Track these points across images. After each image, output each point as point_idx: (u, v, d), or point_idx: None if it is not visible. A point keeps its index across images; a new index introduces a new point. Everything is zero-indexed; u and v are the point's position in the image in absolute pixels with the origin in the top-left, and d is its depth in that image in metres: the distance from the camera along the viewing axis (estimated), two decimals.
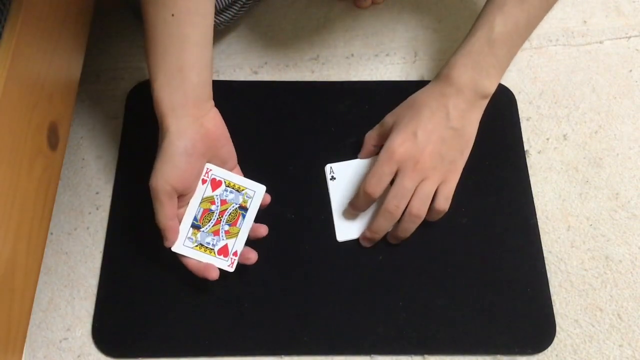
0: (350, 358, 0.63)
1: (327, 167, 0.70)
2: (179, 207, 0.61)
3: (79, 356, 0.63)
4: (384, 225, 0.64)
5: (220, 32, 0.80)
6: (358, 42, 0.81)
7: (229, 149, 0.63)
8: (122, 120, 0.75)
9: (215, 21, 0.67)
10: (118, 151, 0.73)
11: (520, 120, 0.75)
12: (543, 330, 0.64)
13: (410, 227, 0.64)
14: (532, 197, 0.70)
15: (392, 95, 0.71)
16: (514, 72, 0.79)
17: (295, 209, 0.69)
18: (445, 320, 0.64)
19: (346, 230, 0.67)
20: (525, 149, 0.73)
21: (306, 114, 0.74)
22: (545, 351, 0.63)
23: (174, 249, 0.61)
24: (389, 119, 0.66)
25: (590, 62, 0.80)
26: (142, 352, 0.62)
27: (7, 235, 0.58)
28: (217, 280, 0.64)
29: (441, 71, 0.65)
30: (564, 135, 0.75)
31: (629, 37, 0.82)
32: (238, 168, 0.65)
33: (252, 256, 0.62)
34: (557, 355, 0.63)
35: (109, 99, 0.77)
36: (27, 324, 0.64)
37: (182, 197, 0.60)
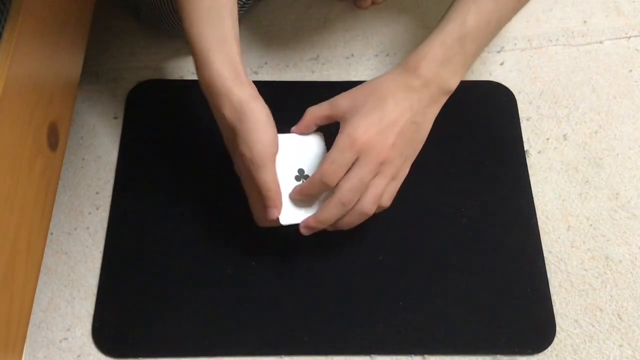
0: (350, 358, 0.63)
1: None
2: None
3: (79, 356, 0.63)
4: (334, 216, 0.58)
5: None
6: (358, 42, 0.81)
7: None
8: (122, 120, 0.75)
9: None
10: (118, 151, 0.73)
11: (520, 120, 0.75)
12: (543, 330, 0.64)
13: (355, 222, 0.59)
14: (532, 197, 0.70)
15: None
16: (514, 72, 0.79)
17: None
18: (445, 320, 0.64)
19: (291, 213, 0.59)
20: (525, 149, 0.73)
21: None
22: (545, 351, 0.63)
23: (285, 221, 0.58)
24: (343, 101, 0.60)
25: (590, 62, 0.80)
26: (142, 352, 0.62)
27: (7, 235, 0.58)
28: (216, 280, 0.65)
29: (409, 59, 0.60)
30: (564, 135, 0.75)
31: (629, 37, 0.82)
32: None
33: None
34: (557, 355, 0.63)
35: (109, 99, 0.77)
36: (27, 324, 0.64)
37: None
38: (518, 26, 0.83)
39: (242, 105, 0.56)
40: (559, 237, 0.69)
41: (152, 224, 0.68)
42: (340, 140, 0.57)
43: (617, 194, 0.71)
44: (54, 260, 0.67)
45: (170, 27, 0.76)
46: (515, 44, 0.82)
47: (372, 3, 0.84)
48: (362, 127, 0.57)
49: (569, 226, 0.69)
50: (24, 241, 0.62)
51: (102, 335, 0.63)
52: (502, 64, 0.80)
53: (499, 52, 0.81)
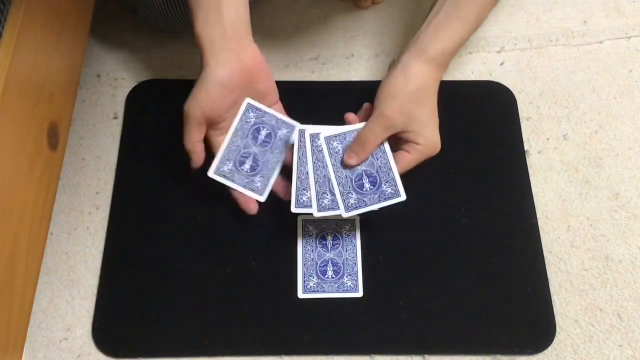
0: (350, 358, 0.63)
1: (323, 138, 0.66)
2: (216, 135, 0.65)
3: (79, 356, 0.63)
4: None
5: None
6: (358, 42, 0.81)
7: (268, 84, 0.65)
8: (122, 120, 0.75)
9: None
10: (118, 151, 0.73)
11: (520, 120, 0.75)
12: (543, 330, 0.64)
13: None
14: (532, 197, 0.70)
15: None
16: (514, 72, 0.79)
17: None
18: (445, 320, 0.64)
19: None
20: (525, 149, 0.73)
21: (306, 114, 0.74)
22: (545, 351, 0.63)
23: (209, 174, 0.64)
24: (396, 117, 0.63)
25: (590, 62, 0.80)
26: (142, 352, 0.62)
27: (7, 235, 0.58)
28: (216, 280, 0.65)
29: (435, 56, 0.64)
30: (564, 135, 0.75)
31: (629, 37, 0.82)
32: (280, 105, 0.68)
33: (281, 190, 0.66)
34: (557, 355, 0.63)
35: (109, 99, 0.77)
36: (27, 324, 0.64)
37: (216, 124, 0.64)
38: (518, 26, 0.83)
39: (205, 68, 0.61)
40: (559, 237, 0.69)
41: (152, 224, 0.68)
42: (421, 151, 0.64)
43: (617, 194, 0.71)
44: (54, 260, 0.67)
45: (168, 26, 0.76)
46: (515, 44, 0.82)
47: (372, 3, 0.84)
48: (432, 138, 0.64)
49: (569, 226, 0.69)
50: (24, 241, 0.62)
51: (102, 335, 0.63)
52: (502, 64, 0.80)
53: (499, 52, 0.81)
